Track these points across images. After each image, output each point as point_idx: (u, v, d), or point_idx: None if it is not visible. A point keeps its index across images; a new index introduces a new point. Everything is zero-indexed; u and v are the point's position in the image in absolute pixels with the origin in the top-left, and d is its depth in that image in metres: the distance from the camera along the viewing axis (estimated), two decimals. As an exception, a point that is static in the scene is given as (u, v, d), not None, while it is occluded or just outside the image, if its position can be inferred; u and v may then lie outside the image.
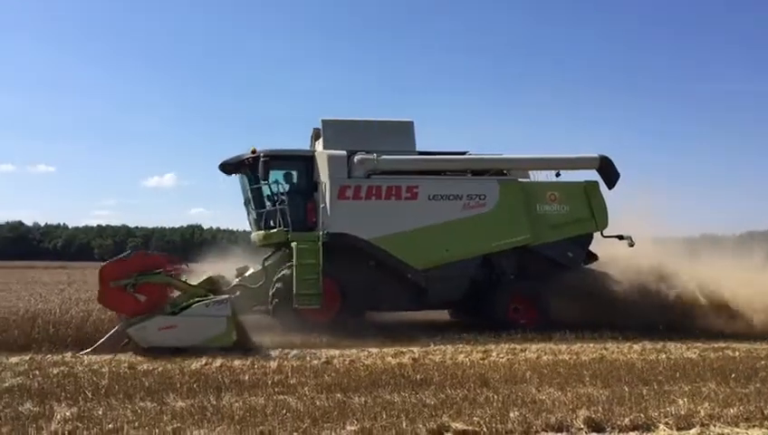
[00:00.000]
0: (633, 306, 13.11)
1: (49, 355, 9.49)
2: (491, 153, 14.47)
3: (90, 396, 7.03)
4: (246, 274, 13.31)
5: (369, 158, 13.14)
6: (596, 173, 14.36)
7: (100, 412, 6.36)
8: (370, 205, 13.11)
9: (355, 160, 13.13)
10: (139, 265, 10.76)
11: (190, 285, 11.32)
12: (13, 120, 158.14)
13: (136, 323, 10.15)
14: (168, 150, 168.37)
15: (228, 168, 13.89)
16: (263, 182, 13.24)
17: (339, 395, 7.18)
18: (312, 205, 13.24)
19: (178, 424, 5.87)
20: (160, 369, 8.70)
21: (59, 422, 5.92)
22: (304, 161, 13.52)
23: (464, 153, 14.57)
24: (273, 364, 9.06)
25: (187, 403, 6.74)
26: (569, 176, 14.55)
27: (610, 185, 14.29)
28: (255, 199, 13.63)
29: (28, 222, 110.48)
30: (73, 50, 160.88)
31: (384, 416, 6.24)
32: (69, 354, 9.62)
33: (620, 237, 14.09)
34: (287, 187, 13.57)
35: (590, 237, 14.26)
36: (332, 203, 12.95)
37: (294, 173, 13.66)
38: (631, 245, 14.01)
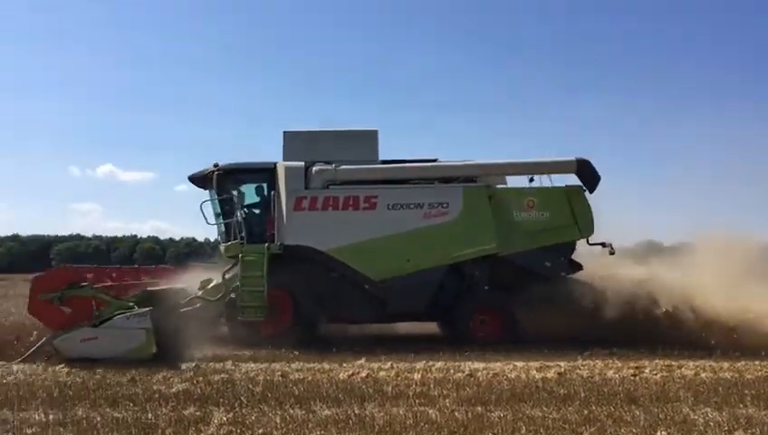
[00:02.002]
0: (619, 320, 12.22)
1: (212, 363, 10.22)
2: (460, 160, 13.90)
3: (245, 402, 7.49)
4: (209, 286, 13.18)
5: (327, 168, 13.03)
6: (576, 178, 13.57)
7: (253, 418, 6.78)
8: (327, 216, 12.92)
9: (313, 171, 13.04)
10: (67, 278, 11.26)
11: (116, 297, 11.50)
12: (180, 143, 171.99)
13: (61, 335, 10.57)
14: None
15: (197, 181, 14.05)
16: (222, 195, 13.39)
17: (479, 408, 7.18)
18: (271, 217, 13.23)
19: (322, 432, 6.16)
20: (310, 378, 9.11)
21: (216, 426, 6.39)
22: (266, 174, 13.49)
23: (434, 161, 13.96)
24: (417, 376, 9.18)
25: (333, 412, 7.02)
26: (557, 181, 13.74)
27: (591, 189, 13.42)
28: (220, 212, 13.72)
29: (200, 238, 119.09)
30: (220, 77, 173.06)
31: (523, 431, 6.18)
32: (229, 362, 10.26)
33: (603, 245, 13.34)
34: (248, 199, 13.72)
35: (572, 245, 13.40)
36: (288, 214, 12.89)
37: (257, 186, 13.76)
38: (612, 253, 13.21)
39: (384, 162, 13.70)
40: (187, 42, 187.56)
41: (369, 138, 13.86)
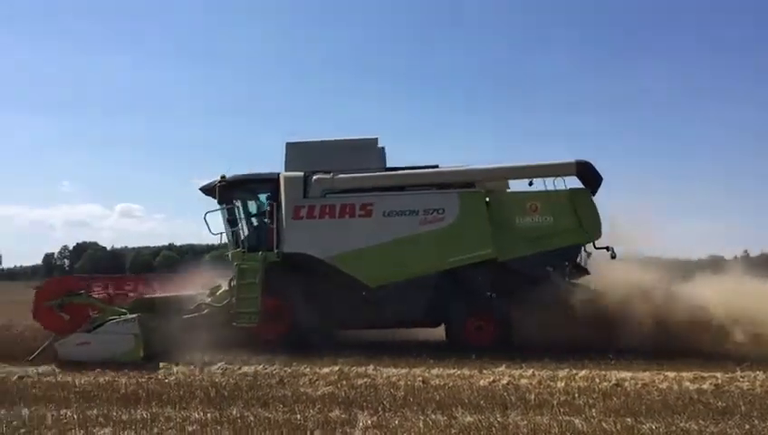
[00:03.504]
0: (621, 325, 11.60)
1: (354, 367, 10.46)
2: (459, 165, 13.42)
3: (387, 406, 7.63)
4: (218, 293, 13.46)
5: (326, 177, 13.09)
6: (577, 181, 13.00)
7: (396, 422, 6.90)
8: (324, 224, 12.97)
9: (312, 180, 13.07)
10: (67, 286, 12.21)
11: (110, 305, 12.33)
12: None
13: (60, 339, 11.44)
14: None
15: (208, 192, 14.13)
16: (226, 205, 13.59)
17: (628, 420, 6.90)
18: (271, 226, 13.25)
19: (465, 438, 6.14)
20: (450, 384, 9.12)
21: (361, 429, 6.57)
22: (270, 184, 13.53)
23: (435, 167, 13.46)
24: (560, 384, 8.98)
25: (475, 418, 6.99)
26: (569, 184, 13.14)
27: (593, 191, 13.01)
28: (228, 221, 13.80)
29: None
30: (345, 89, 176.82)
31: (678, 445, 5.88)
32: (371, 367, 10.42)
33: (607, 249, 12.92)
34: (252, 209, 13.94)
35: (576, 249, 12.97)
36: (287, 223, 12.99)
37: (260, 196, 13.87)
38: (613, 256, 12.84)
39: (388, 170, 13.66)
40: (312, 57, 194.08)
41: (371, 145, 13.86)
